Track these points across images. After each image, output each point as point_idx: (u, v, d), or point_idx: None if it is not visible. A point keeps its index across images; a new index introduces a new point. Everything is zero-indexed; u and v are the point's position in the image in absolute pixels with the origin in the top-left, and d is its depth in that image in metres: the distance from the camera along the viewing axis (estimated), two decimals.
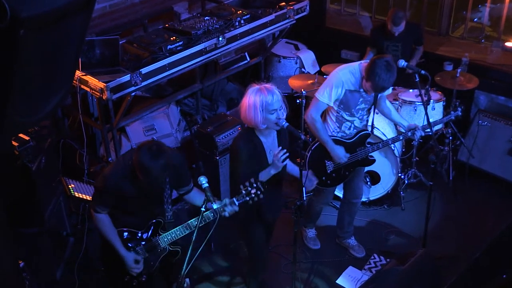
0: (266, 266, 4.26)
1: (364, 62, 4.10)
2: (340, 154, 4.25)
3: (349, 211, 4.81)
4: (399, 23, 5.50)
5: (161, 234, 3.57)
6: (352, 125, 4.28)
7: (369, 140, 4.40)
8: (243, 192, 3.36)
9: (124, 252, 3.51)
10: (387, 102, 4.48)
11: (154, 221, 3.56)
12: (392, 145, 5.11)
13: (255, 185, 3.35)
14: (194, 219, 3.43)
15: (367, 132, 4.34)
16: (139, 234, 3.56)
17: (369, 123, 4.42)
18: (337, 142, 4.27)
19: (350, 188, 4.65)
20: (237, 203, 3.39)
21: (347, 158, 4.28)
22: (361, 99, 4.17)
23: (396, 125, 5.25)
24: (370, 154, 4.41)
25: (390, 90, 4.38)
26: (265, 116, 3.45)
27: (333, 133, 4.31)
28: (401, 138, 4.54)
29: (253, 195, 3.35)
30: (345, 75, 4.10)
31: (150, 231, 3.58)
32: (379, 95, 4.25)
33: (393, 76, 3.93)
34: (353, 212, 4.83)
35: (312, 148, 4.33)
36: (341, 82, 4.08)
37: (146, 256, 3.60)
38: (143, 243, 3.58)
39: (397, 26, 5.51)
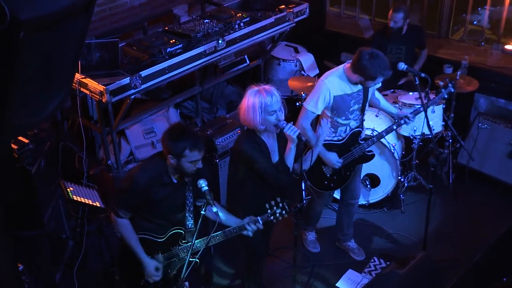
0: (264, 268, 4.25)
1: (347, 64, 4.09)
2: (333, 160, 4.24)
3: (348, 213, 4.81)
4: (398, 10, 5.53)
5: (181, 245, 3.52)
6: (348, 127, 4.27)
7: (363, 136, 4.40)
8: (269, 211, 3.38)
9: (146, 259, 3.46)
10: (376, 93, 4.49)
11: (174, 231, 3.49)
12: (392, 148, 5.10)
13: (281, 205, 3.36)
14: (215, 233, 3.42)
15: (358, 129, 4.33)
16: (158, 242, 3.50)
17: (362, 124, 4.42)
18: (329, 146, 4.26)
19: (348, 188, 4.64)
20: (261, 221, 3.41)
21: (340, 163, 4.27)
22: (352, 101, 4.16)
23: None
24: (367, 150, 4.40)
25: (379, 84, 4.36)
26: (264, 117, 3.46)
27: (328, 136, 4.30)
28: (394, 127, 4.49)
29: (278, 215, 3.37)
30: (331, 81, 4.09)
31: (170, 240, 3.52)
32: (370, 90, 4.25)
33: (384, 58, 3.94)
34: (352, 213, 4.82)
35: (305, 155, 4.32)
36: (328, 89, 4.07)
37: (165, 264, 3.56)
38: (160, 253, 3.53)
39: (395, 13, 5.53)
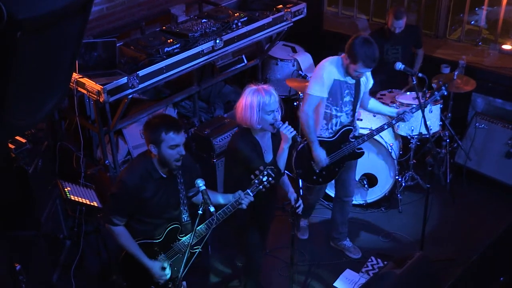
0: (261, 268, 4.26)
1: (343, 54, 4.16)
2: (321, 157, 4.25)
3: (342, 211, 4.80)
4: (401, 17, 5.53)
5: (180, 239, 3.51)
6: (339, 121, 4.30)
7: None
8: (256, 181, 3.37)
9: (149, 262, 3.43)
10: (368, 96, 4.52)
11: (169, 227, 3.47)
12: (390, 148, 5.11)
13: (265, 172, 3.36)
14: (202, 225, 3.41)
15: (349, 127, 4.35)
16: (156, 243, 3.48)
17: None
18: (320, 143, 4.27)
19: (342, 185, 4.66)
20: (252, 194, 3.40)
21: (327, 162, 4.29)
22: (347, 91, 4.21)
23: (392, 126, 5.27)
24: (357, 147, 4.41)
25: (371, 84, 4.41)
26: (261, 117, 3.47)
27: (321, 131, 4.32)
28: (385, 127, 4.49)
29: (266, 183, 3.37)
30: (331, 64, 4.16)
31: (168, 238, 3.49)
32: (361, 86, 4.30)
33: (375, 47, 4.01)
34: (346, 211, 4.82)
35: (298, 149, 4.33)
36: (329, 71, 4.14)
37: (170, 262, 3.54)
38: (162, 253, 3.51)
39: (399, 20, 5.52)
